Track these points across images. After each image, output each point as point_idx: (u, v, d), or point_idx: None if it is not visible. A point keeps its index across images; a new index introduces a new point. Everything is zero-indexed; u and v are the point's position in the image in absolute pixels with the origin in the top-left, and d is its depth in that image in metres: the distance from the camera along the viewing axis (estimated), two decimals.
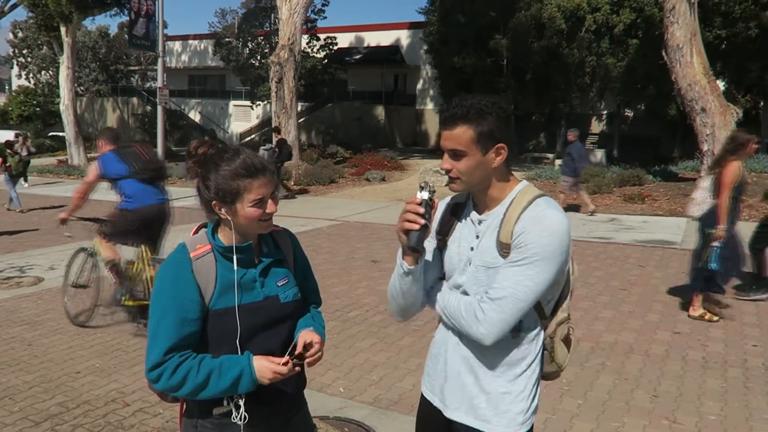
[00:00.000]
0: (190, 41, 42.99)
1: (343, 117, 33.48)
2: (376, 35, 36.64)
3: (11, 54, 43.12)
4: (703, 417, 3.52)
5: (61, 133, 27.51)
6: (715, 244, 4.98)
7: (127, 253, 5.05)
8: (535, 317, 1.61)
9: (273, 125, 18.17)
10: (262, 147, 15.67)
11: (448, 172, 1.59)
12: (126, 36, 21.76)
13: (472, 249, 1.62)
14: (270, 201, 1.60)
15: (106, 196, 5.30)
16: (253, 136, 36.07)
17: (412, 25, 35.18)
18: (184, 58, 43.32)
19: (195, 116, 39.74)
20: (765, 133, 23.24)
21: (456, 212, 1.71)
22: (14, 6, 24.95)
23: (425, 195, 1.53)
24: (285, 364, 1.57)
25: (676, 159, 22.37)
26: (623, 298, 6.03)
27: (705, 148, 14.38)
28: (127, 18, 15.43)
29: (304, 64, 26.25)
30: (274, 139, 14.61)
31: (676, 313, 5.53)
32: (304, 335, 1.66)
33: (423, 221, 1.52)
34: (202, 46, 42.01)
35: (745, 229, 6.06)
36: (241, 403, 1.61)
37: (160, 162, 5.10)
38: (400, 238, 1.56)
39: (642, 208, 12.53)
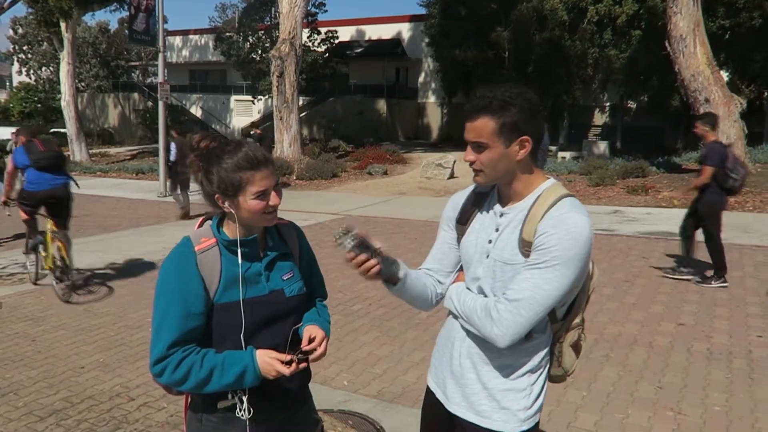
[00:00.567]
0: (191, 36, 42.89)
1: (345, 111, 33.42)
2: (377, 28, 36.51)
3: (12, 50, 43.10)
4: (708, 408, 3.52)
5: (62, 130, 27.50)
6: None
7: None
8: (546, 320, 1.58)
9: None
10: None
11: (471, 164, 1.56)
12: (126, 31, 21.67)
13: (490, 241, 1.59)
14: (273, 193, 1.58)
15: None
16: (254, 130, 36.04)
17: (413, 18, 35.04)
18: (185, 53, 43.24)
19: (196, 111, 39.71)
20: None
21: (478, 202, 1.69)
22: (14, 2, 24.90)
23: (349, 243, 1.51)
24: (289, 363, 1.55)
25: (679, 150, 22.28)
26: (627, 290, 6.02)
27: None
28: (127, 13, 15.37)
29: (306, 58, 26.16)
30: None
31: (680, 305, 5.52)
32: (309, 330, 1.65)
33: (374, 260, 1.51)
34: (202, 41, 41.92)
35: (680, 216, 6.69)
36: (245, 398, 1.60)
37: (55, 153, 6.06)
38: (377, 278, 1.55)
39: (645, 199, 12.49)
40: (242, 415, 1.60)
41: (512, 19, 25.16)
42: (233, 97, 38.62)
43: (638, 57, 23.82)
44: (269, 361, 1.55)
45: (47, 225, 6.03)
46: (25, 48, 42.08)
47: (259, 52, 31.87)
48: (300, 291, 1.71)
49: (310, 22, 30.45)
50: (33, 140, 6.04)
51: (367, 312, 5.43)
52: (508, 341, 1.49)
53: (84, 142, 23.84)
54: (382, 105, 33.53)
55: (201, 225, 1.69)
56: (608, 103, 30.92)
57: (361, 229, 1.55)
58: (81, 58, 37.31)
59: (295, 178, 16.97)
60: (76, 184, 6.30)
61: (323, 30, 31.97)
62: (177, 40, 42.88)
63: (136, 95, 40.71)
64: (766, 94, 25.50)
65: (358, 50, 35.65)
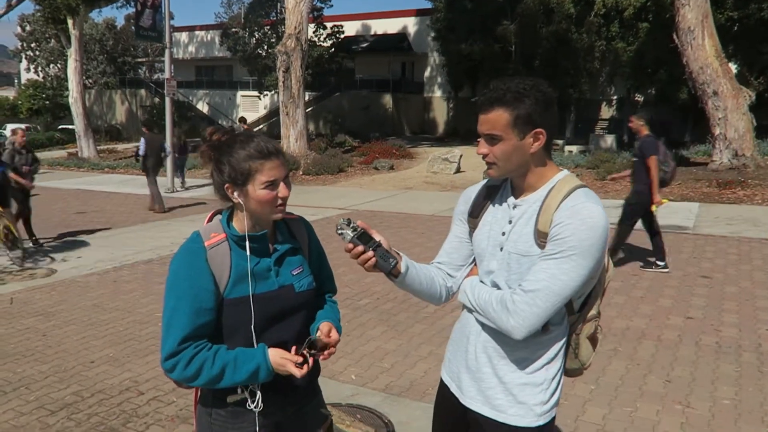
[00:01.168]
0: (197, 32, 42.94)
1: (351, 106, 33.38)
2: (383, 23, 36.41)
3: (20, 48, 43.29)
4: (717, 402, 3.51)
5: (70, 126, 27.63)
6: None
7: None
8: (563, 312, 1.57)
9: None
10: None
11: (484, 157, 1.55)
12: (133, 28, 21.75)
13: (503, 234, 1.58)
14: (282, 185, 1.58)
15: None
16: (261, 126, 36.08)
17: (418, 12, 34.91)
18: (191, 49, 43.30)
19: (203, 107, 39.78)
20: None
21: (489, 195, 1.68)
22: None
23: (349, 234, 1.51)
24: (301, 365, 1.56)
25: (687, 144, 22.14)
26: (635, 284, 6.00)
27: (717, 132, 14.22)
28: (134, 10, 15.39)
29: (311, 53, 26.15)
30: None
31: (688, 298, 5.49)
32: (327, 327, 1.68)
33: (371, 253, 1.51)
34: (208, 37, 41.97)
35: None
36: (257, 391, 1.61)
37: None
38: (375, 270, 1.55)
39: None
40: (252, 409, 1.61)
41: (518, 12, 25.02)
42: (239, 93, 38.65)
43: (646, 50, 23.67)
44: (281, 362, 1.56)
45: None
46: (33, 45, 42.26)
47: (265, 47, 31.86)
48: (309, 286, 1.71)
49: (316, 17, 30.41)
50: None
51: (374, 306, 5.44)
52: (524, 332, 1.47)
53: (92, 139, 23.94)
54: (388, 100, 33.47)
55: (210, 220, 1.69)
56: (615, 97, 30.73)
57: (364, 221, 1.55)
58: (88, 55, 37.48)
59: (301, 173, 16.98)
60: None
61: (329, 25, 31.92)
62: (183, 36, 42.94)
63: (143, 91, 40.81)
64: None
65: (364, 45, 35.58)
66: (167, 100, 15.05)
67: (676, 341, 4.48)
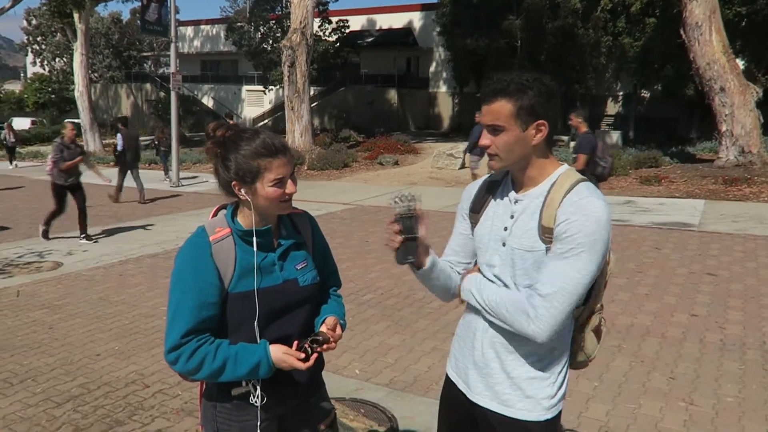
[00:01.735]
0: (202, 26, 42.93)
1: (356, 101, 33.34)
2: (389, 18, 36.31)
3: (26, 41, 43.40)
4: (721, 399, 3.50)
5: (76, 120, 27.72)
6: None
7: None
8: None
9: (116, 117, 18.52)
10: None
11: (486, 148, 1.56)
12: (138, 22, 21.76)
13: (506, 229, 1.59)
14: (289, 181, 1.59)
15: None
16: (266, 121, 36.10)
17: (424, 7, 34.80)
18: (197, 43, 43.31)
19: (208, 102, 39.82)
20: None
21: (490, 190, 1.69)
22: None
23: (399, 209, 1.51)
24: (304, 360, 1.57)
25: (693, 140, 22.03)
26: (639, 281, 5.99)
27: (724, 128, 14.15)
28: (139, 4, 15.38)
29: (317, 47, 26.11)
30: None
31: (693, 296, 5.48)
32: (332, 321, 1.69)
33: (399, 238, 1.52)
34: (214, 31, 41.95)
35: None
36: (258, 385, 1.63)
37: None
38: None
39: (659, 190, 12.39)
40: (256, 402, 1.63)
41: (524, 7, 24.90)
42: (244, 88, 38.66)
43: (652, 45, 23.52)
44: (283, 357, 1.57)
45: None
46: (39, 39, 42.35)
47: (270, 42, 31.85)
48: (313, 280, 1.72)
49: (321, 11, 30.35)
50: None
51: (378, 302, 5.45)
52: (547, 336, 1.48)
53: (97, 133, 24.03)
54: (393, 95, 33.42)
55: (215, 215, 1.70)
56: (621, 93, 30.60)
57: (420, 208, 1.54)
58: (94, 49, 37.49)
59: (306, 168, 16.99)
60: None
61: (334, 19, 31.87)
62: (189, 31, 42.95)
63: (148, 86, 40.88)
64: None
65: (369, 40, 35.50)
66: (173, 94, 15.07)
67: (680, 338, 4.47)
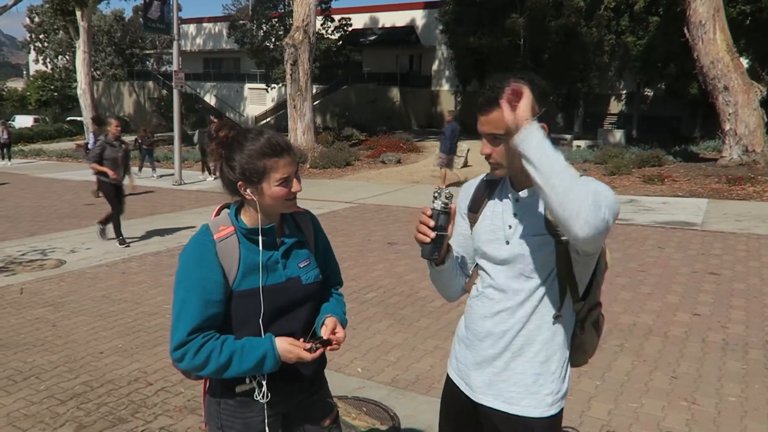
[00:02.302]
0: (205, 24, 42.92)
1: (358, 99, 33.32)
2: (391, 16, 36.25)
3: (28, 39, 43.47)
4: (723, 398, 3.50)
5: (79, 118, 27.78)
6: None
7: None
8: (569, 299, 1.59)
9: (91, 117, 19.10)
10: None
11: (488, 157, 1.56)
12: (141, 20, 21.76)
13: (510, 227, 1.59)
14: (294, 180, 1.60)
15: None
16: (268, 119, 36.10)
17: (427, 5, 34.73)
18: (199, 41, 43.31)
19: (210, 100, 39.83)
20: None
21: (489, 190, 1.69)
22: None
23: (438, 205, 1.51)
24: (310, 350, 1.58)
25: (696, 139, 22.00)
26: (642, 280, 5.98)
27: (727, 127, 14.12)
28: (142, 1, 15.38)
29: (319, 45, 26.09)
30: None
31: (696, 295, 5.48)
32: (332, 322, 1.69)
33: (433, 234, 1.52)
34: (216, 29, 41.95)
35: None
36: (264, 382, 1.63)
37: None
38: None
39: (662, 189, 12.37)
40: (260, 399, 1.64)
41: (527, 5, 24.83)
42: (247, 86, 38.65)
43: (656, 44, 23.45)
44: (290, 348, 1.58)
45: None
46: (41, 36, 42.42)
47: (273, 40, 31.83)
48: (316, 278, 1.73)
49: (324, 9, 30.33)
50: None
51: (380, 300, 5.46)
52: (592, 233, 1.31)
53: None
54: (395, 93, 33.38)
55: (218, 213, 1.71)
56: (624, 91, 30.52)
57: (454, 207, 1.55)
58: (96, 47, 37.58)
59: (308, 166, 16.99)
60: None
61: (337, 17, 31.83)
62: (191, 28, 42.94)
63: (150, 83, 40.90)
64: None
65: (372, 38, 35.46)
66: (175, 92, 15.08)
67: (682, 338, 4.47)
